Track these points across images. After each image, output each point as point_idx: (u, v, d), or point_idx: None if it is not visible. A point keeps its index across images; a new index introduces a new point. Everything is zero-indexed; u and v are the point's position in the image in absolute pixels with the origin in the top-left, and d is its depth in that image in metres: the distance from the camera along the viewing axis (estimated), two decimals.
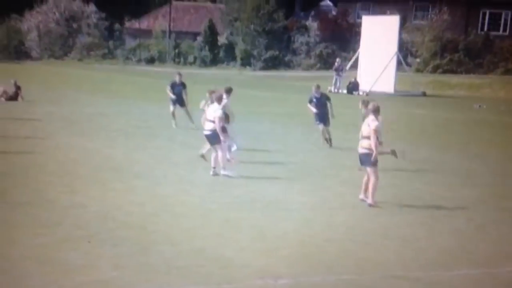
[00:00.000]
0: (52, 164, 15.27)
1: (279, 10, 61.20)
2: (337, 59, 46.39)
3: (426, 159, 18.83)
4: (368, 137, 12.41)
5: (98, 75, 49.21)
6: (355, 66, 45.10)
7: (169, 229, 10.40)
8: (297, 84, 45.65)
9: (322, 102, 19.32)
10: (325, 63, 57.30)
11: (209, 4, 72.36)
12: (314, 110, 19.35)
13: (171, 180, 14.16)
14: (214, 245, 9.61)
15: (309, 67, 59.74)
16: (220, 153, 14.79)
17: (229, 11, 64.05)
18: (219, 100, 14.96)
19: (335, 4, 66.23)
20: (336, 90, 42.35)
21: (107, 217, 10.91)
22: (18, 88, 29.07)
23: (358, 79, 43.20)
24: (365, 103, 16.99)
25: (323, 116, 19.29)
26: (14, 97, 28.59)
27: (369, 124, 12.46)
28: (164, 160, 16.49)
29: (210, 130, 14.94)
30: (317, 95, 19.49)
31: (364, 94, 40.70)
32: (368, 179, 12.55)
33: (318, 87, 19.66)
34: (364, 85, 42.04)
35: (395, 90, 41.62)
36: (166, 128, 22.03)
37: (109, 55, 65.61)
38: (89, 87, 37.61)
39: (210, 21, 62.92)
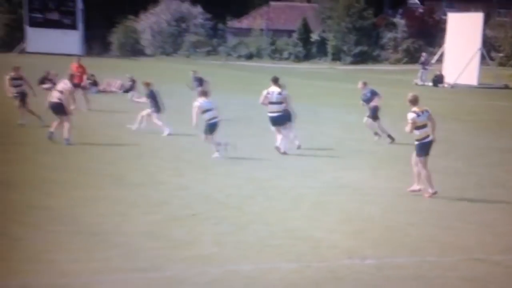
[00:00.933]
0: (163, 150, 15.64)
1: (369, 9, 60.34)
2: (423, 54, 45.37)
3: (507, 148, 18.12)
4: (426, 125, 11.67)
5: (203, 69, 49.94)
6: (440, 60, 43.92)
7: (264, 210, 10.46)
8: (385, 77, 44.83)
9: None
10: (412, 57, 56.06)
11: (303, 3, 72.04)
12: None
13: (265, 166, 14.22)
14: (305, 226, 9.59)
15: (396, 61, 58.63)
16: (289, 133, 15.01)
17: (322, 10, 63.62)
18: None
19: (422, 2, 64.65)
20: (422, 83, 41.43)
21: (209, 198, 11.09)
22: (133, 81, 29.88)
23: (443, 72, 42.01)
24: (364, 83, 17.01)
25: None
26: (129, 90, 29.41)
27: (428, 114, 11.67)
28: (259, 147, 16.57)
29: (278, 112, 15.04)
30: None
31: (449, 86, 39.68)
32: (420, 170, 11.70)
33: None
34: (449, 78, 40.89)
35: (478, 83, 40.27)
36: (262, 118, 22.10)
37: (212, 52, 66.41)
38: None
39: (304, 19, 62.70)
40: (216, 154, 14.73)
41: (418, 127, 11.63)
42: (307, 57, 62.30)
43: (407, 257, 8.38)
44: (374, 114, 18.10)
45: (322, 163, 14.73)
